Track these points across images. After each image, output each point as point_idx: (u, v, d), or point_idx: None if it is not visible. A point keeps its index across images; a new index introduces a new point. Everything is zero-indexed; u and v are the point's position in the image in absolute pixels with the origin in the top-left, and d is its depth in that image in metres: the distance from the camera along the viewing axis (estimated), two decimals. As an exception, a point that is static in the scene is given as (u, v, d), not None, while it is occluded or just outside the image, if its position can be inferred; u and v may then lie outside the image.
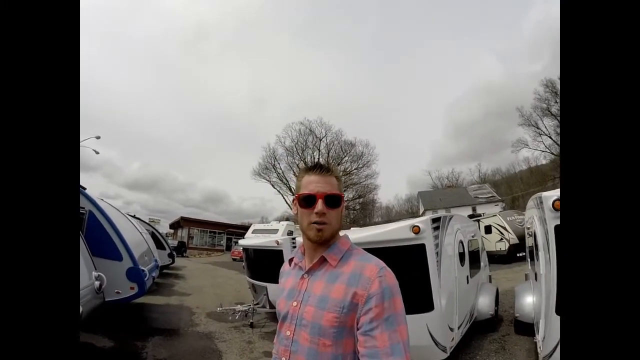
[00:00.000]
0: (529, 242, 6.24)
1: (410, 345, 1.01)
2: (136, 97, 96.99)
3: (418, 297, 3.93)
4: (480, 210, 35.66)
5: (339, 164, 41.49)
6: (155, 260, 9.09)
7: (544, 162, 44.50)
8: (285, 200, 44.63)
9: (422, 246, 4.02)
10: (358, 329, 1.03)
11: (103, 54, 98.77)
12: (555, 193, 3.12)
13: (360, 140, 45.24)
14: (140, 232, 9.09)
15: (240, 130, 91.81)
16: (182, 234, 40.47)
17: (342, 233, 1.24)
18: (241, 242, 9.69)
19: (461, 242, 5.31)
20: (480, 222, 17.18)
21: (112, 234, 6.02)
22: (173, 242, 28.63)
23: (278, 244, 7.03)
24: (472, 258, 5.87)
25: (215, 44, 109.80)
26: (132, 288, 6.03)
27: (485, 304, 5.95)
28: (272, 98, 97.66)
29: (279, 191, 44.75)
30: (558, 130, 38.86)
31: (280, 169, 44.53)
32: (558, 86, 37.99)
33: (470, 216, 19.71)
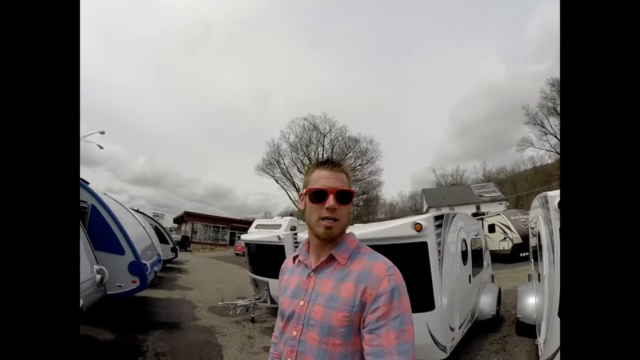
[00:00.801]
0: (533, 242, 6.18)
1: None
2: (142, 94, 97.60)
3: (419, 296, 3.89)
4: (484, 208, 35.52)
5: (342, 160, 41.31)
6: (158, 255, 9.13)
7: (549, 161, 44.08)
8: (289, 196, 44.85)
9: (424, 244, 3.97)
10: (364, 327, 1.02)
11: (109, 52, 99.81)
12: (561, 193, 3.07)
13: (365, 136, 45.39)
14: (144, 227, 9.13)
15: (246, 127, 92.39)
16: (186, 228, 40.71)
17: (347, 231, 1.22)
18: (243, 237, 9.71)
19: (464, 240, 5.27)
20: (483, 221, 17.12)
21: (114, 228, 6.05)
22: (177, 237, 28.82)
23: (280, 240, 7.04)
24: (474, 257, 5.83)
25: (220, 42, 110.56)
26: (133, 282, 6.07)
27: (487, 304, 5.91)
28: (276, 96, 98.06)
29: (282, 187, 45.01)
30: (560, 129, 38.52)
31: (284, 164, 44.75)
32: (563, 85, 37.67)
33: (474, 214, 19.67)
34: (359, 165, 43.76)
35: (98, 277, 4.67)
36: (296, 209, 44.28)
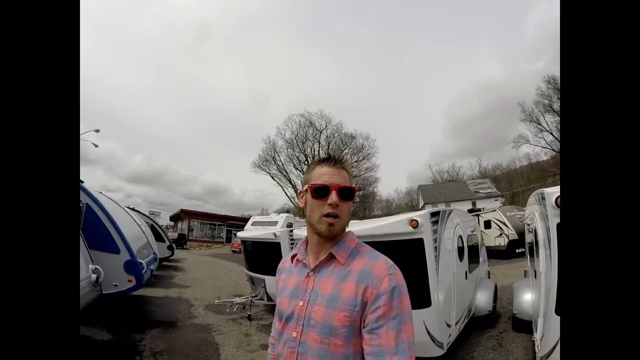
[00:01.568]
0: (529, 238, 6.21)
1: None
2: (140, 93, 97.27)
3: (415, 293, 3.86)
4: (480, 205, 35.61)
5: (341, 156, 41.44)
6: (154, 253, 9.09)
7: (544, 158, 44.51)
8: (285, 193, 44.89)
9: (420, 241, 3.97)
10: (364, 327, 1.01)
11: (107, 50, 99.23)
12: (558, 189, 3.07)
13: (361, 132, 45.39)
14: (139, 225, 9.07)
15: (243, 125, 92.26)
16: (182, 226, 40.57)
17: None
18: (240, 234, 9.69)
19: (460, 237, 5.27)
20: (479, 217, 17.20)
21: (109, 227, 6.01)
22: (173, 235, 28.75)
23: (276, 237, 7.02)
24: (471, 253, 5.84)
25: (218, 42, 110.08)
26: (129, 281, 6.04)
27: (483, 300, 5.94)
28: (273, 95, 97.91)
29: (278, 183, 45.02)
30: (559, 127, 38.76)
31: (280, 161, 44.77)
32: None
33: (470, 211, 19.72)
34: (355, 161, 43.76)
35: (94, 276, 4.65)
36: (293, 205, 44.33)
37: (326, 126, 44.65)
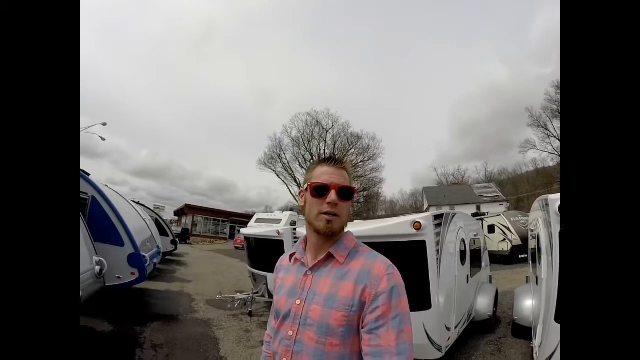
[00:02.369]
0: (532, 244, 6.18)
1: None
2: (147, 89, 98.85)
3: (415, 295, 3.89)
4: (484, 209, 35.51)
5: (344, 156, 41.50)
6: (158, 247, 9.16)
7: (551, 164, 44.12)
8: (290, 191, 44.89)
9: (423, 243, 3.95)
10: (363, 327, 1.01)
11: (115, 49, 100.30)
12: (561, 197, 3.06)
13: (367, 133, 45.24)
14: (144, 219, 9.15)
15: (248, 123, 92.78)
16: (186, 221, 40.79)
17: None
18: (243, 230, 9.71)
19: (463, 240, 5.26)
20: (483, 221, 17.11)
21: (114, 220, 6.07)
22: (177, 229, 28.89)
23: (279, 234, 7.04)
24: (473, 257, 5.82)
25: (222, 41, 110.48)
26: (132, 274, 6.10)
27: (484, 304, 5.92)
28: (278, 94, 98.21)
29: (283, 181, 45.06)
30: (560, 133, 38.38)
31: (286, 159, 44.79)
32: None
33: (474, 214, 19.66)
34: (360, 161, 43.78)
35: (97, 268, 4.69)
36: (297, 203, 44.23)
37: (333, 125, 44.68)
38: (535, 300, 4.63)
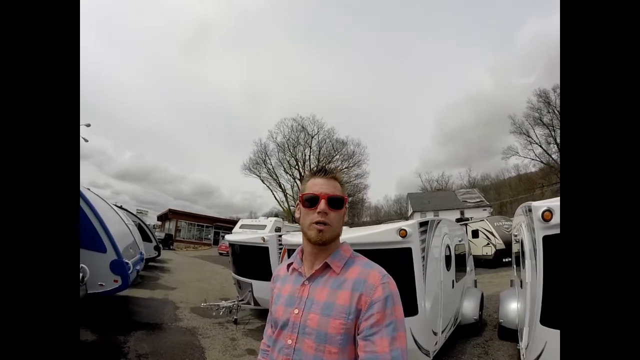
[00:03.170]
0: (516, 248, 6.30)
1: None
2: (133, 89, 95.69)
3: (402, 301, 3.88)
4: (468, 214, 35.98)
5: (329, 162, 41.65)
6: (141, 253, 8.96)
7: (533, 170, 45.28)
8: (275, 196, 44.78)
9: (409, 250, 4.00)
10: (358, 334, 1.04)
11: (106, 45, 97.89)
12: (545, 203, 3.13)
13: (352, 139, 45.64)
14: (126, 224, 8.95)
15: (236, 126, 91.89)
16: (170, 226, 40.09)
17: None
18: (227, 237, 9.60)
19: (448, 246, 5.33)
20: (467, 226, 17.35)
21: (96, 225, 5.92)
22: (160, 235, 28.37)
23: (264, 241, 6.98)
24: (458, 262, 5.90)
25: (213, 41, 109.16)
26: (115, 281, 5.95)
27: (469, 308, 6.00)
28: (267, 96, 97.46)
29: (268, 187, 44.92)
30: (549, 139, 39.38)
31: (271, 164, 44.66)
32: (551, 96, 38.55)
33: (458, 220, 19.91)
34: (345, 167, 43.89)
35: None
36: (282, 209, 44.15)
37: (318, 131, 44.89)
38: (521, 303, 4.71)
